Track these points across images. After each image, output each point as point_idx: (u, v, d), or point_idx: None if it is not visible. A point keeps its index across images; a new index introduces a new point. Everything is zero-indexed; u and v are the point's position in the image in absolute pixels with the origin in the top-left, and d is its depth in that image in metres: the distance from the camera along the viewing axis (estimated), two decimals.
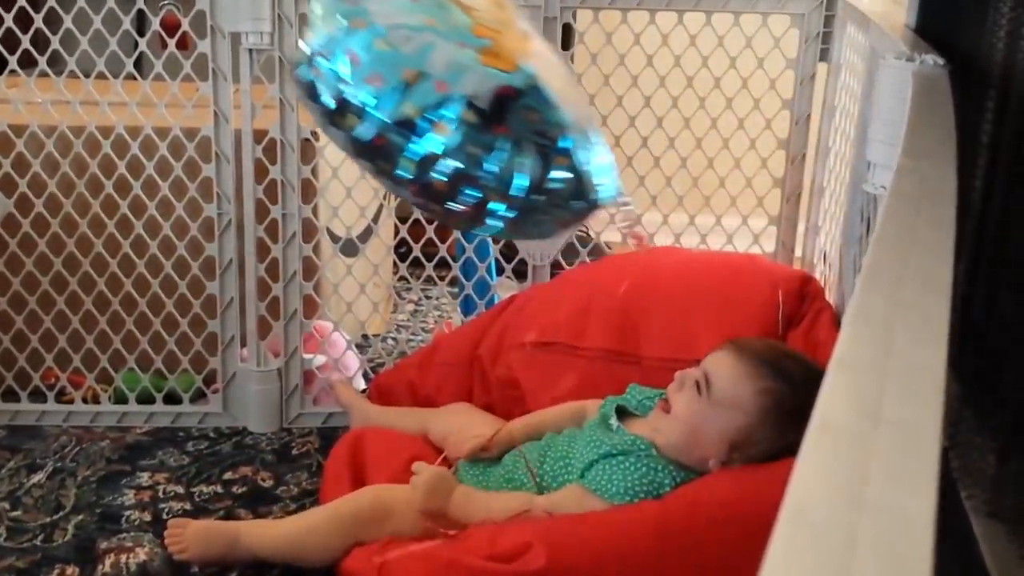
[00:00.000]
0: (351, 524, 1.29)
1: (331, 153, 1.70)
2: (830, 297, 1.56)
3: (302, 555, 1.31)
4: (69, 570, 1.33)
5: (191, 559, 1.32)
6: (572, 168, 1.21)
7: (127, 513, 1.46)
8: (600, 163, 1.25)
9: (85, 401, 1.74)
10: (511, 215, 1.20)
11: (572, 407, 1.44)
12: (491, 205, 1.19)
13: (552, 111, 1.19)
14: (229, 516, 1.47)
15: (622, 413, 1.35)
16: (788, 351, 1.31)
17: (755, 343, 1.30)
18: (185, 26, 1.61)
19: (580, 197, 1.24)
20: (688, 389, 1.25)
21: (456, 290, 1.88)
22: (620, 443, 1.26)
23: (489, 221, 1.21)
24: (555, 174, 1.20)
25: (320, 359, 1.75)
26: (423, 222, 1.73)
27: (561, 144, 1.20)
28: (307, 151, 1.65)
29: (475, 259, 1.80)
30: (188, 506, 1.49)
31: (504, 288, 1.87)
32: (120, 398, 1.74)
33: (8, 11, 1.60)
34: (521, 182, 1.17)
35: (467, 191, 1.18)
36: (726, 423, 1.21)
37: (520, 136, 1.17)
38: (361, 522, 1.29)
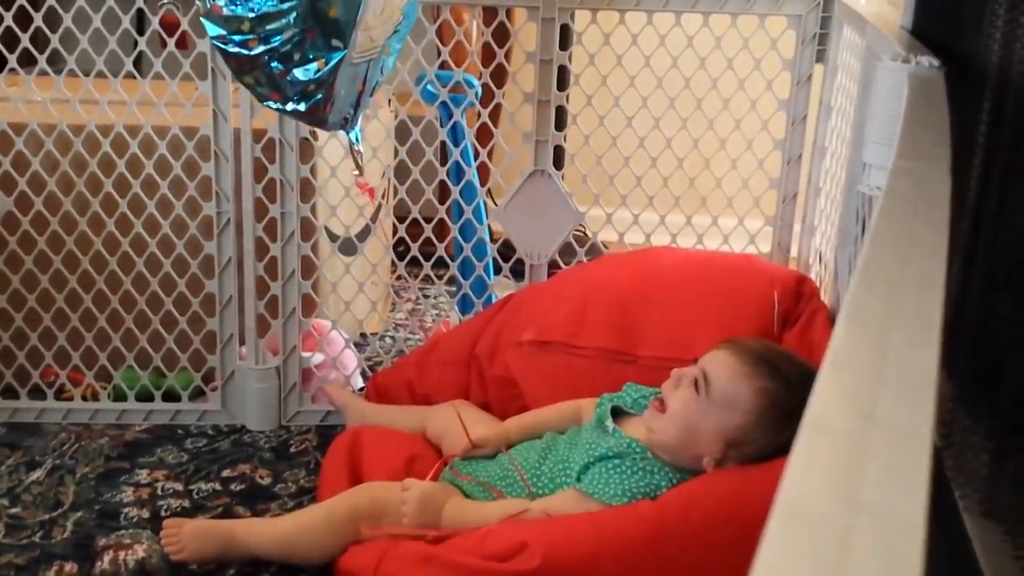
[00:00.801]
0: (347, 522, 1.29)
1: (329, 152, 1.70)
2: (825, 297, 1.56)
3: (299, 553, 1.31)
4: (68, 567, 1.34)
5: (188, 559, 1.32)
6: (319, 73, 1.19)
7: (126, 510, 1.47)
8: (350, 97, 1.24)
9: (84, 399, 1.74)
10: (242, 37, 1.18)
11: (568, 406, 1.44)
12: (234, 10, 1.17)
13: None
14: (227, 513, 1.47)
15: (617, 413, 1.36)
16: (785, 352, 1.32)
17: (752, 343, 1.30)
18: (184, 25, 1.61)
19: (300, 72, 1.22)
20: (685, 387, 1.26)
21: (454, 289, 1.89)
22: (615, 445, 1.27)
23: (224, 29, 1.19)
24: (305, 66, 1.18)
25: (318, 357, 1.76)
26: (421, 222, 1.74)
27: (335, 44, 1.19)
28: (305, 150, 1.65)
29: (473, 258, 1.81)
30: (186, 503, 1.50)
31: (501, 287, 1.87)
32: (119, 396, 1.74)
33: (8, 10, 1.60)
34: (269, 19, 1.15)
35: None
36: (723, 421, 1.22)
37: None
38: (357, 520, 1.29)
